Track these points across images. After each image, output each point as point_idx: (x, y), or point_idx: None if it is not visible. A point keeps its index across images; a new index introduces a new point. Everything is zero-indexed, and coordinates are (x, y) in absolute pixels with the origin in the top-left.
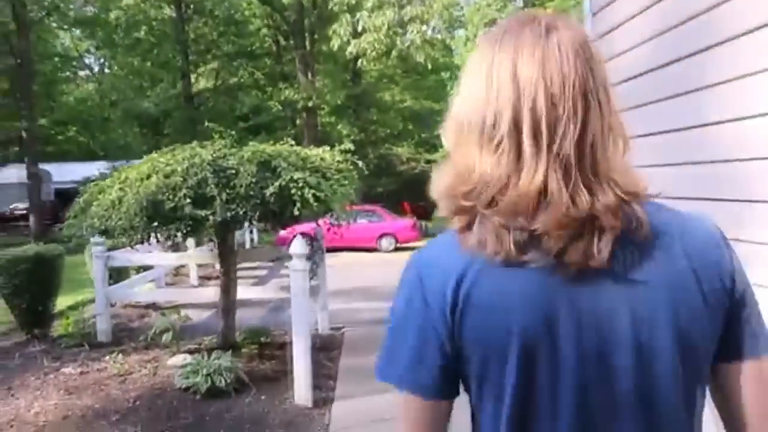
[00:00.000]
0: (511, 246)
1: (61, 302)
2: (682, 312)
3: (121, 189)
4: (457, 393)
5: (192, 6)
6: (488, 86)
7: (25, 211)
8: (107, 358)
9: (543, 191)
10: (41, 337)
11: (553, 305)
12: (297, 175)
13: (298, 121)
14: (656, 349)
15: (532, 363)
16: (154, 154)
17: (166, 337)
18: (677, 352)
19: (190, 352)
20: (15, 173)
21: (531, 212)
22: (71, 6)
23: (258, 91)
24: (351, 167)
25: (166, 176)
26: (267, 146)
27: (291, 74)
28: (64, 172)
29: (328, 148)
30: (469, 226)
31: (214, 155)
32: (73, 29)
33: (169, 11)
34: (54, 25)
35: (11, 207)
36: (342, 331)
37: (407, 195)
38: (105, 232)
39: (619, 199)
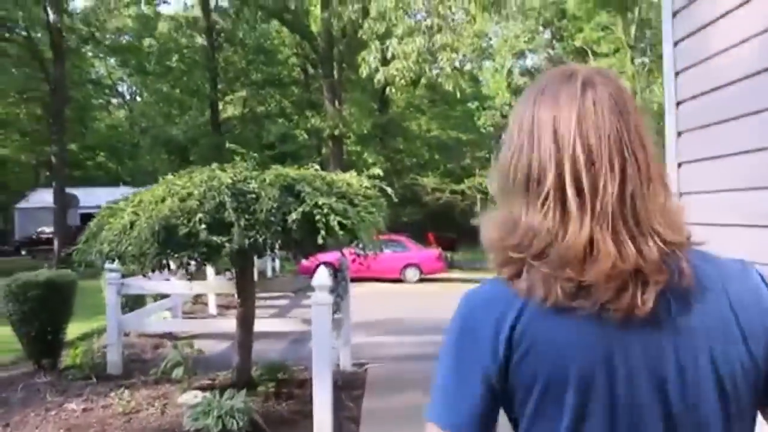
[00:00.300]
0: (560, 293)
1: (76, 329)
2: (723, 359)
3: (134, 213)
4: None
5: (223, 34)
6: (531, 143)
7: (51, 235)
8: (113, 394)
9: (590, 245)
10: (49, 368)
11: (606, 349)
12: (322, 201)
13: (324, 150)
14: (701, 395)
15: (586, 404)
16: (170, 176)
17: (177, 373)
18: (720, 398)
19: (203, 389)
20: (44, 197)
21: (579, 264)
22: (107, 36)
23: (285, 119)
24: (379, 194)
25: (182, 200)
26: (291, 170)
27: (318, 102)
28: (91, 197)
29: (354, 173)
30: (518, 275)
31: (234, 178)
32: (108, 58)
33: (200, 40)
34: (90, 54)
35: (38, 231)
36: (365, 368)
37: (432, 225)
38: (119, 258)
39: (662, 252)
